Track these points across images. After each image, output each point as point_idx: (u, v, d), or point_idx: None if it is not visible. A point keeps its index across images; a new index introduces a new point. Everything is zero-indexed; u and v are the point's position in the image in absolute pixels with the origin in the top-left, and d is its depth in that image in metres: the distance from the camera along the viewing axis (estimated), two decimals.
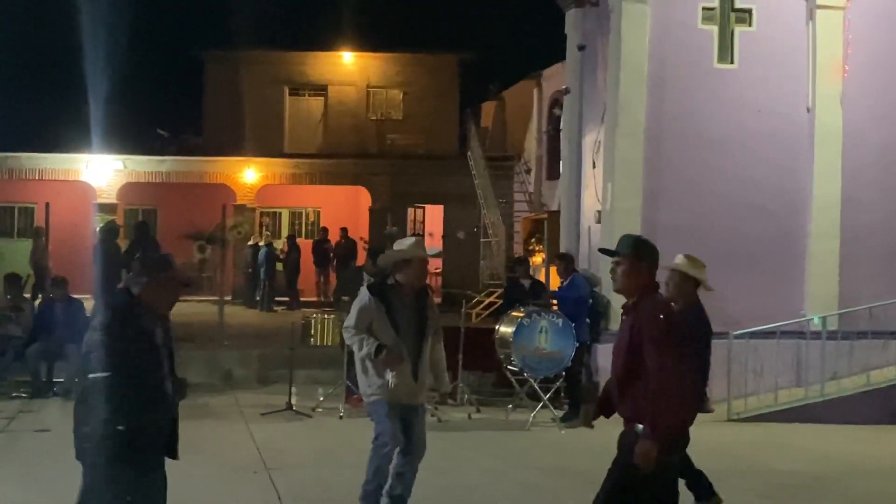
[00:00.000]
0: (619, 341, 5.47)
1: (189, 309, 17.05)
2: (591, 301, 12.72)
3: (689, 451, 7.34)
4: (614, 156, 14.26)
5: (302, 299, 24.07)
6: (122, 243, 17.86)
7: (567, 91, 17.38)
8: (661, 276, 7.59)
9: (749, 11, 14.22)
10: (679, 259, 7.55)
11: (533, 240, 22.34)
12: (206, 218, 24.32)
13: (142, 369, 4.98)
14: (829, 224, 14.03)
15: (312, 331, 12.74)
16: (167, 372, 5.15)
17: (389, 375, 6.93)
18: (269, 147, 28.11)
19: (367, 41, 30.00)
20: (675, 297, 7.50)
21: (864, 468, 10.28)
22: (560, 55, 18.83)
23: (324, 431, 11.23)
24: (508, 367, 12.53)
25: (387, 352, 6.94)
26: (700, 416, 7.07)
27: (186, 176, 27.35)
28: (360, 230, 26.38)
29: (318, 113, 30.32)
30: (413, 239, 7.57)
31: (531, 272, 15.84)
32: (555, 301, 13.02)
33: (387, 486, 7.07)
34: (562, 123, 18.83)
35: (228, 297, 21.94)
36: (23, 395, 12.82)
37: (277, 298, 24.07)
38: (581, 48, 16.48)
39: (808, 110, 14.22)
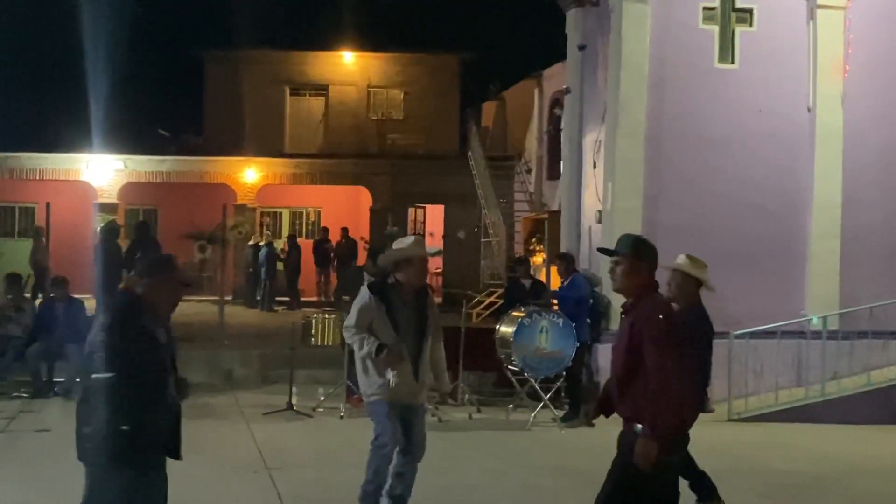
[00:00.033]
0: (619, 341, 5.47)
1: (189, 309, 17.04)
2: (591, 301, 12.72)
3: (690, 451, 7.40)
4: (615, 156, 14.26)
5: (302, 299, 24.08)
6: (123, 243, 17.86)
7: (568, 91, 17.39)
8: (663, 276, 7.62)
9: (750, 11, 14.22)
10: (681, 259, 7.55)
11: (533, 240, 22.35)
12: (206, 218, 24.32)
13: (145, 370, 4.98)
14: (830, 224, 14.03)
15: (313, 331, 12.75)
16: (170, 372, 5.16)
17: (390, 375, 6.92)
18: (269, 147, 28.11)
19: (368, 41, 30.02)
20: (676, 297, 7.50)
21: (865, 468, 10.28)
22: (561, 55, 18.84)
23: (324, 431, 11.23)
24: (509, 367, 12.53)
25: (387, 351, 6.94)
26: (701, 416, 7.10)
27: (187, 176, 27.35)
28: (361, 230, 26.38)
29: (319, 113, 30.33)
30: (413, 238, 7.56)
31: (532, 272, 15.84)
32: (555, 301, 13.02)
33: (387, 487, 7.06)
34: (562, 123, 18.85)
35: (229, 297, 21.95)
36: (23, 394, 12.82)
37: (278, 298, 24.08)
38: (581, 48, 16.49)
39: (809, 110, 14.22)
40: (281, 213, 29.52)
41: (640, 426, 5.20)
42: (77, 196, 26.26)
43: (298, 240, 25.93)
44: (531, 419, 11.93)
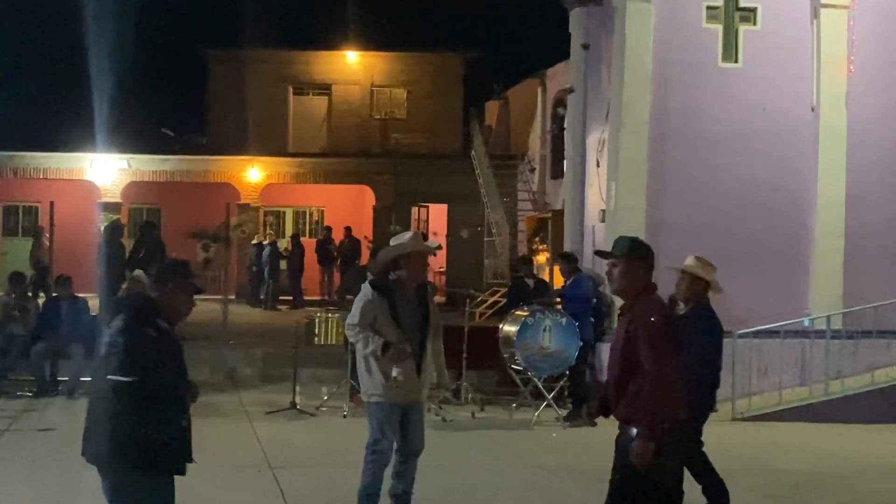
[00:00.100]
0: (615, 342, 5.49)
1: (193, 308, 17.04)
2: (595, 300, 12.71)
3: (708, 454, 7.40)
4: (618, 155, 14.25)
5: (306, 298, 24.08)
6: (127, 242, 17.88)
7: (571, 90, 17.38)
8: (672, 278, 7.62)
9: (754, 10, 14.20)
10: (689, 260, 7.55)
11: (537, 239, 22.36)
12: (210, 217, 24.37)
13: (166, 373, 4.99)
14: (834, 223, 14.01)
15: (316, 330, 12.74)
16: (186, 375, 5.18)
17: (395, 372, 6.90)
18: (273, 146, 28.12)
19: (371, 40, 30.02)
20: (684, 298, 7.50)
21: (869, 467, 10.27)
22: (564, 54, 18.82)
23: (328, 430, 11.23)
24: (512, 366, 12.53)
25: (393, 349, 6.90)
26: None
27: (190, 175, 27.37)
28: (364, 229, 26.38)
29: (322, 112, 30.33)
30: (410, 233, 7.52)
31: (535, 271, 15.85)
32: (559, 300, 13.02)
33: (389, 487, 7.06)
34: (566, 122, 18.85)
35: (232, 296, 21.96)
36: (27, 393, 12.83)
37: (281, 297, 24.09)
38: (585, 47, 16.48)
39: (813, 109, 14.20)
40: (284, 213, 29.53)
41: (635, 429, 5.21)
42: (81, 195, 26.30)
43: (302, 239, 25.94)
44: (534, 418, 11.93)
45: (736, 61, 14.23)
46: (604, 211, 15.12)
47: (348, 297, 13.06)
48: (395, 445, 7.07)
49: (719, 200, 14.05)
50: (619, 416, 5.40)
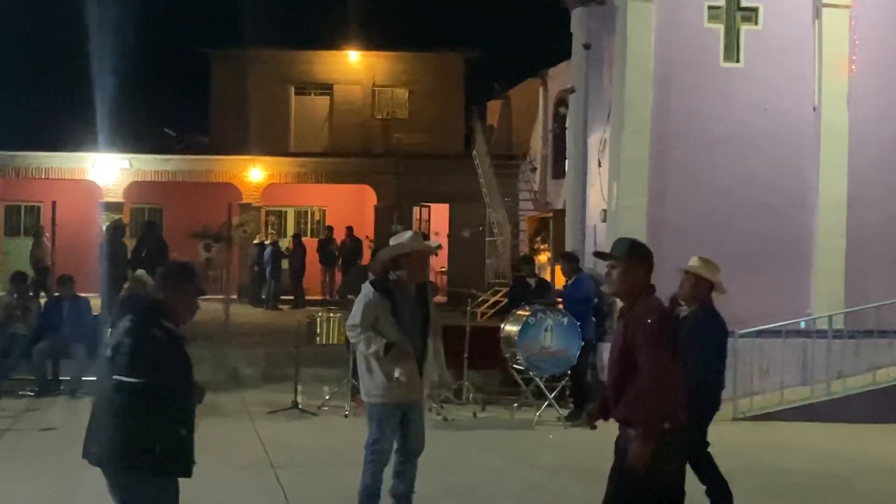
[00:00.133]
0: (614, 343, 5.50)
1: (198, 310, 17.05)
2: (596, 300, 12.71)
3: (714, 455, 7.39)
4: (620, 155, 14.26)
5: (307, 298, 24.10)
6: (129, 242, 17.90)
7: (573, 90, 17.38)
8: (674, 278, 7.62)
9: (755, 10, 14.21)
10: (693, 261, 7.55)
11: (538, 238, 22.36)
12: (212, 217, 24.35)
13: (170, 376, 5.00)
14: (835, 223, 14.01)
15: (318, 330, 12.73)
16: (193, 377, 5.20)
17: (397, 373, 6.88)
18: (274, 146, 28.13)
19: (373, 40, 30.02)
20: (688, 299, 7.50)
21: (870, 467, 10.27)
22: (566, 54, 18.82)
23: (329, 430, 11.24)
24: (514, 365, 12.54)
25: (396, 349, 6.89)
26: None
27: (192, 175, 27.39)
28: (366, 229, 26.40)
29: (324, 112, 30.34)
30: (410, 233, 7.48)
31: (536, 271, 15.85)
32: (560, 300, 13.02)
33: (390, 487, 7.07)
34: (567, 122, 18.84)
35: (234, 296, 21.98)
36: (29, 393, 12.84)
37: (283, 297, 24.10)
38: (587, 47, 16.47)
39: (815, 109, 14.20)
40: (286, 212, 29.55)
41: (632, 431, 5.22)
42: (83, 195, 26.32)
43: (303, 239, 25.96)
44: (536, 418, 11.94)
45: (737, 61, 14.24)
46: (605, 211, 15.12)
47: (350, 296, 13.07)
48: (395, 445, 7.06)
49: (721, 200, 14.06)
50: (619, 418, 5.41)
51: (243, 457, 9.53)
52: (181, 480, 5.11)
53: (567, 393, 12.63)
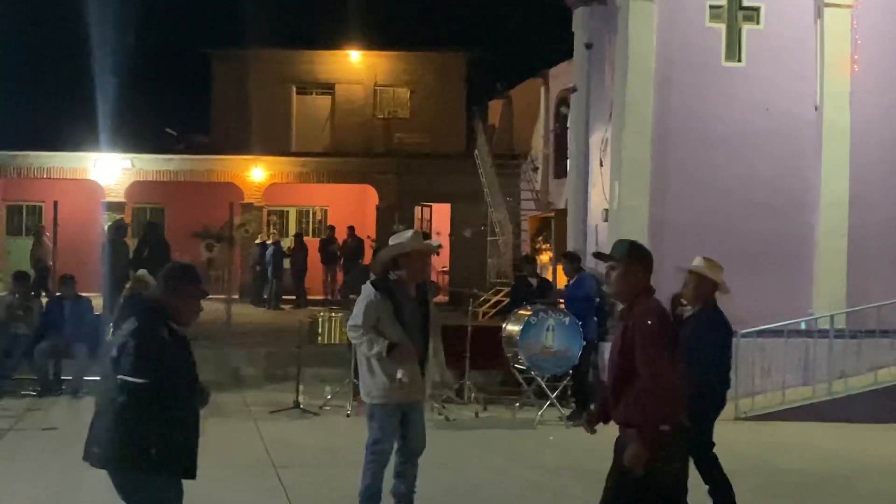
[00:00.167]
0: (614, 345, 5.51)
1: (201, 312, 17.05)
2: (598, 300, 12.71)
3: (719, 456, 7.39)
4: (621, 154, 14.25)
5: (309, 297, 24.10)
6: (131, 242, 17.90)
7: (574, 89, 17.38)
8: (676, 278, 7.62)
9: (757, 9, 14.21)
10: (697, 261, 7.54)
11: (540, 238, 22.36)
12: (213, 216, 24.36)
13: (175, 377, 5.01)
14: (837, 222, 14.01)
15: (320, 329, 12.74)
16: (197, 379, 5.21)
17: (400, 374, 6.86)
18: (276, 146, 28.13)
19: (375, 40, 30.02)
20: (692, 298, 7.49)
21: (872, 467, 10.26)
22: (567, 53, 18.83)
23: (331, 430, 11.24)
24: (516, 365, 12.54)
25: (398, 350, 6.87)
26: None
27: (194, 174, 27.39)
28: (368, 228, 26.40)
29: (326, 111, 30.35)
30: (410, 232, 7.42)
31: (538, 271, 15.85)
32: (562, 299, 13.02)
33: (391, 487, 7.06)
34: (569, 122, 18.84)
35: (236, 296, 21.98)
36: (31, 393, 12.85)
37: (285, 297, 24.11)
38: (588, 46, 16.47)
39: (816, 108, 14.20)
40: (288, 212, 29.55)
41: (632, 431, 5.22)
42: (84, 195, 26.32)
43: (305, 238, 25.96)
44: (538, 418, 11.94)
45: (739, 61, 14.23)
46: (607, 210, 15.12)
47: (351, 296, 13.09)
48: (395, 446, 7.06)
49: (722, 200, 14.06)
50: (618, 419, 5.41)
51: (245, 456, 9.53)
52: (184, 481, 5.13)
53: (569, 392, 12.63)
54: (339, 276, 25.04)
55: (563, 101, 22.65)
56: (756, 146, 14.16)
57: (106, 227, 19.93)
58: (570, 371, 12.29)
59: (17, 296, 13.54)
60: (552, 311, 12.25)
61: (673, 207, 14.01)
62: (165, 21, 35.85)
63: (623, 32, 14.33)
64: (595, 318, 12.47)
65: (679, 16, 14.20)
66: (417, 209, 27.75)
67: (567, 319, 12.08)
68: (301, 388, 12.34)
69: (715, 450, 7.47)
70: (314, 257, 25.17)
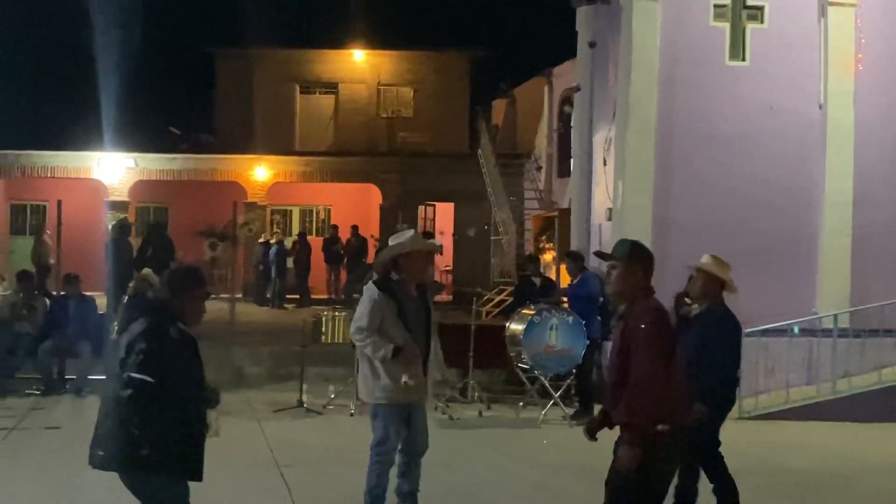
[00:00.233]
0: (613, 345, 5.51)
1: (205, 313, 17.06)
2: (602, 299, 12.70)
3: (724, 455, 7.38)
4: (625, 153, 14.24)
5: (312, 297, 24.11)
6: (134, 241, 17.92)
7: (578, 88, 17.38)
8: (681, 276, 7.61)
9: (761, 8, 14.19)
10: (705, 259, 7.52)
11: (543, 237, 22.34)
12: (217, 215, 24.41)
13: (183, 378, 5.02)
14: (841, 221, 13.98)
15: (323, 328, 12.75)
16: (205, 379, 5.23)
17: (405, 377, 6.83)
18: (279, 145, 28.14)
19: (378, 39, 30.03)
20: (699, 296, 7.47)
21: (876, 466, 10.26)
22: (571, 52, 18.83)
23: (335, 428, 11.25)
24: (519, 364, 12.54)
25: (404, 352, 6.84)
26: None
27: (198, 174, 27.40)
28: (371, 228, 26.40)
29: (329, 111, 30.35)
30: (411, 232, 7.40)
31: (542, 270, 15.84)
32: (565, 299, 13.02)
33: (395, 486, 7.06)
34: (572, 121, 18.84)
35: (239, 295, 21.98)
36: (35, 392, 12.86)
37: (288, 296, 24.12)
38: (592, 45, 16.48)
39: (821, 107, 14.18)
40: (291, 211, 29.56)
41: None
42: (88, 194, 26.34)
43: (308, 237, 25.97)
44: (541, 417, 11.94)
45: (743, 60, 14.22)
46: (610, 209, 15.11)
47: (355, 295, 13.08)
48: (399, 446, 7.05)
49: (726, 199, 14.04)
50: (618, 420, 5.41)
51: (248, 456, 9.53)
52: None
53: (572, 392, 12.62)
54: (343, 276, 25.03)
55: (567, 100, 22.63)
56: (760, 145, 14.14)
57: (110, 227, 19.94)
58: (574, 370, 12.28)
59: (21, 295, 13.55)
60: (556, 311, 12.24)
61: (676, 206, 13.99)
62: (169, 20, 35.87)
63: (627, 31, 14.31)
64: (598, 318, 12.46)
65: (683, 15, 14.19)
66: (421, 208, 27.75)
67: (570, 319, 12.07)
68: (305, 387, 12.35)
69: (719, 449, 7.46)
70: (317, 256, 25.18)
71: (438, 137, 28.85)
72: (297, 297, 24.09)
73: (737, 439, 10.78)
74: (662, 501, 5.34)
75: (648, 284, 5.47)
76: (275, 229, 26.99)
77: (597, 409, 11.11)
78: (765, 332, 12.83)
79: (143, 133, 28.38)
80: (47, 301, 13.81)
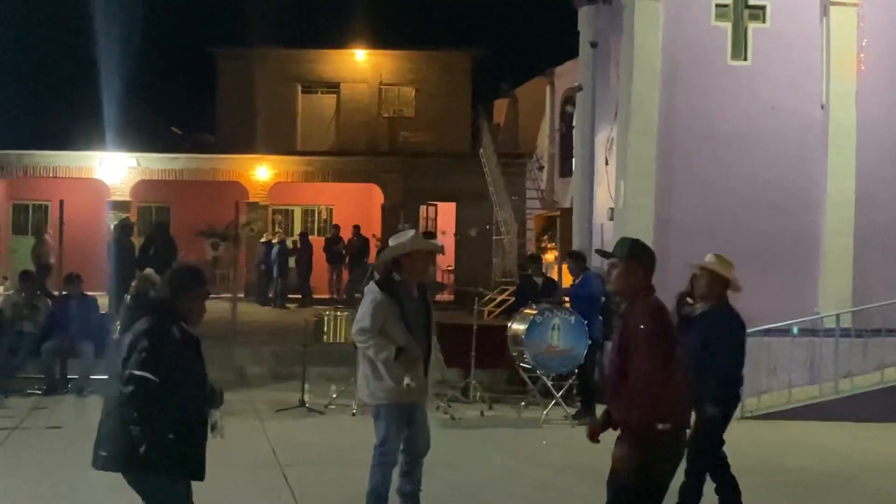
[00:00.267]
0: (614, 344, 5.51)
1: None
2: (604, 298, 12.70)
3: (728, 455, 7.38)
4: (627, 153, 14.24)
5: (314, 296, 24.11)
6: (136, 241, 17.92)
7: (580, 88, 17.38)
8: (685, 276, 7.60)
9: (763, 8, 14.19)
10: (709, 258, 7.52)
11: (545, 237, 22.34)
12: (219, 215, 24.41)
13: (185, 377, 5.03)
14: (843, 221, 13.98)
15: (325, 328, 12.75)
16: (207, 379, 5.23)
17: (408, 379, 6.79)
18: (281, 144, 28.14)
19: (380, 38, 30.04)
20: (704, 295, 7.47)
21: (878, 465, 10.25)
22: (573, 52, 18.82)
23: (337, 428, 11.25)
24: (521, 364, 12.53)
25: (406, 354, 6.82)
26: None
27: (199, 173, 27.40)
28: (373, 227, 26.39)
29: (331, 110, 30.34)
30: (411, 232, 7.37)
31: (544, 270, 15.84)
32: (567, 298, 13.02)
33: (397, 486, 7.06)
34: (574, 121, 18.85)
35: (241, 295, 21.99)
36: (37, 391, 12.87)
37: (290, 296, 24.12)
38: (594, 45, 16.48)
39: (822, 107, 14.17)
40: (293, 211, 29.56)
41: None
42: (90, 194, 26.35)
43: (310, 237, 25.98)
44: (543, 417, 11.93)
45: (745, 59, 14.21)
46: (612, 209, 15.11)
47: (356, 295, 13.09)
48: (401, 446, 7.05)
49: (728, 199, 14.04)
50: (616, 418, 5.41)
51: (250, 455, 9.53)
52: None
53: (574, 392, 12.62)
54: (345, 275, 25.04)
55: (569, 99, 22.65)
56: (762, 145, 14.14)
57: (112, 226, 19.94)
58: (576, 370, 12.28)
59: (23, 294, 13.56)
60: (557, 311, 12.24)
61: (678, 206, 13.99)
62: (171, 20, 35.93)
63: (629, 31, 14.31)
64: (600, 318, 12.46)
65: (685, 14, 14.19)
66: (423, 208, 27.75)
67: (572, 318, 12.07)
68: (307, 386, 12.35)
69: (722, 448, 7.46)
70: (319, 256, 25.18)
71: (440, 137, 28.85)
72: (299, 296, 24.10)
73: (739, 439, 10.78)
74: (663, 500, 5.34)
75: (649, 283, 5.46)
76: (276, 229, 27.00)
77: (598, 408, 11.15)
78: (767, 332, 12.83)
79: (144, 133, 28.39)
80: (49, 301, 13.81)
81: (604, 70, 16.25)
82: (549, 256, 20.99)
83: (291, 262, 24.58)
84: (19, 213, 28.80)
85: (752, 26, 14.19)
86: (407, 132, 29.49)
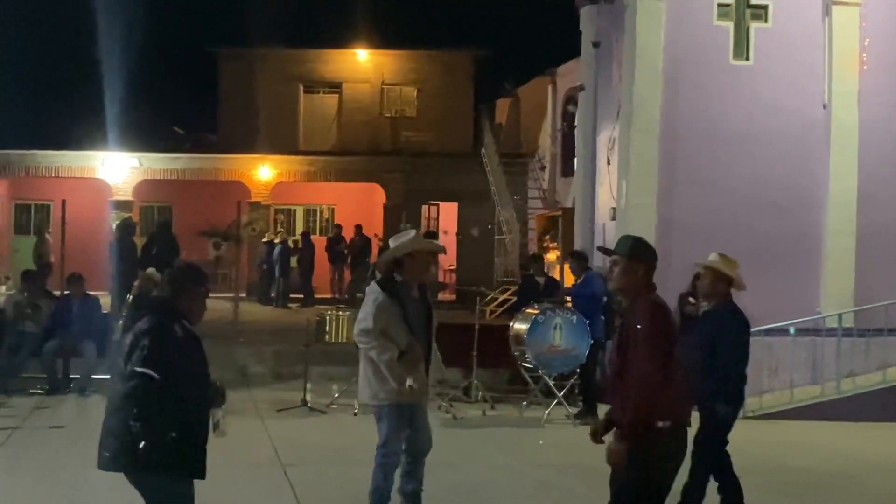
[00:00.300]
0: (614, 342, 5.51)
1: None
2: (605, 298, 12.70)
3: (732, 454, 7.38)
4: (629, 153, 14.24)
5: (316, 296, 24.12)
6: (138, 240, 17.92)
7: (582, 88, 17.38)
8: (687, 276, 7.60)
9: (765, 7, 14.19)
10: (713, 257, 7.52)
11: (547, 237, 22.35)
12: (221, 215, 24.41)
13: (187, 375, 5.03)
14: (845, 221, 13.98)
15: (327, 328, 12.76)
16: (209, 378, 5.24)
17: (410, 381, 6.78)
18: (283, 144, 28.15)
19: (382, 38, 30.05)
20: (708, 294, 7.47)
21: (880, 465, 10.25)
22: (575, 52, 18.82)
23: (339, 428, 11.25)
24: (523, 363, 12.54)
25: (407, 355, 6.82)
26: None
27: (201, 173, 27.42)
28: (375, 227, 26.39)
29: (333, 110, 30.35)
30: (412, 232, 7.38)
31: (545, 269, 15.85)
32: (569, 298, 13.02)
33: (399, 485, 7.06)
34: (576, 120, 18.85)
35: (243, 294, 22.00)
36: (39, 391, 12.87)
37: (292, 295, 24.13)
38: (596, 45, 16.48)
39: (824, 107, 14.17)
40: (295, 211, 29.57)
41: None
42: (92, 193, 26.38)
43: (312, 237, 25.98)
44: (545, 416, 11.93)
45: (747, 59, 14.21)
46: (614, 209, 15.11)
47: (358, 294, 13.08)
48: (403, 446, 7.05)
49: (730, 198, 14.03)
50: (615, 416, 5.41)
51: (252, 455, 9.54)
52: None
53: (576, 391, 12.63)
54: (347, 275, 25.04)
55: (571, 99, 22.64)
56: (764, 144, 14.14)
57: (114, 226, 19.95)
58: (578, 370, 12.28)
59: (25, 294, 13.57)
60: (559, 310, 12.24)
61: (681, 206, 13.99)
62: (173, 20, 35.93)
63: (631, 31, 14.31)
64: (602, 317, 12.47)
65: (687, 14, 14.19)
66: (425, 208, 27.74)
67: (574, 318, 12.07)
68: (308, 386, 12.36)
69: (726, 448, 7.46)
70: (321, 256, 25.19)
71: (442, 137, 28.84)
72: (301, 296, 24.10)
73: (741, 438, 10.76)
74: (664, 499, 5.34)
75: (650, 281, 5.46)
76: (278, 229, 27.01)
77: (600, 408, 11.17)
78: (769, 332, 12.83)
79: (146, 133, 28.42)
80: (52, 301, 13.81)
81: (606, 70, 16.26)
82: (551, 256, 21.00)
83: (293, 261, 24.58)
84: (21, 213, 28.83)
85: (754, 26, 14.19)
86: (409, 132, 29.49)
